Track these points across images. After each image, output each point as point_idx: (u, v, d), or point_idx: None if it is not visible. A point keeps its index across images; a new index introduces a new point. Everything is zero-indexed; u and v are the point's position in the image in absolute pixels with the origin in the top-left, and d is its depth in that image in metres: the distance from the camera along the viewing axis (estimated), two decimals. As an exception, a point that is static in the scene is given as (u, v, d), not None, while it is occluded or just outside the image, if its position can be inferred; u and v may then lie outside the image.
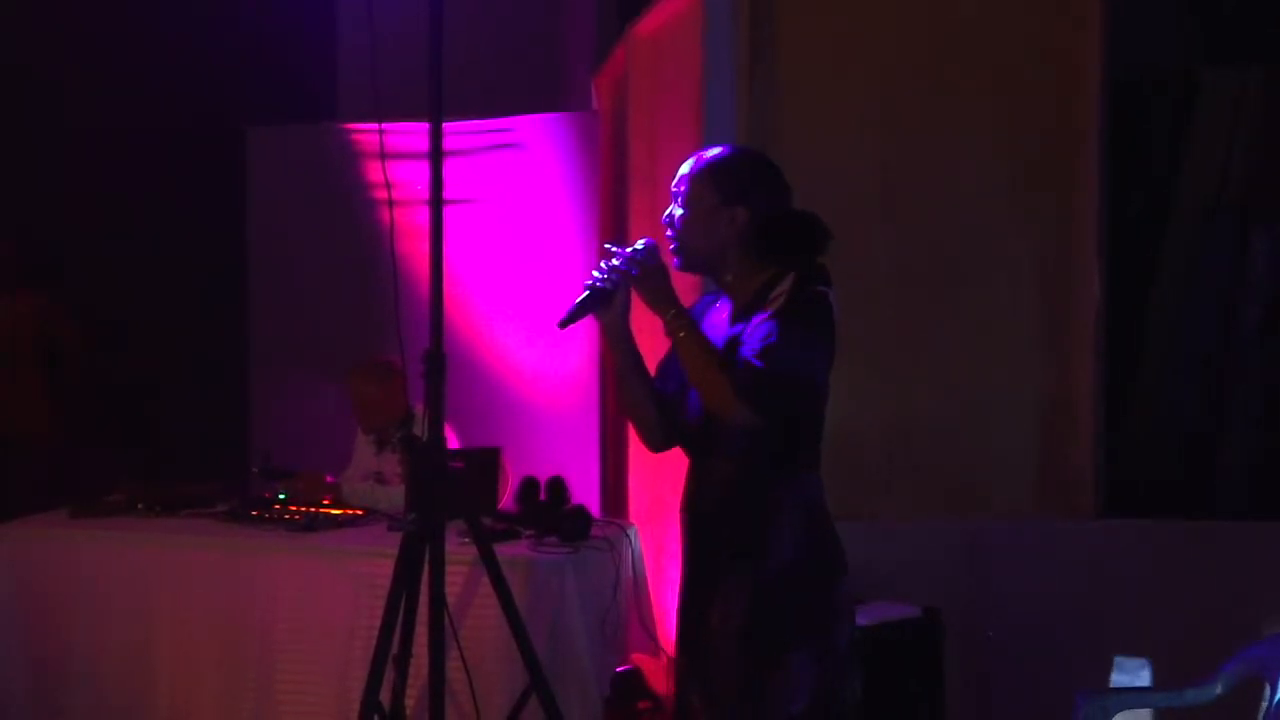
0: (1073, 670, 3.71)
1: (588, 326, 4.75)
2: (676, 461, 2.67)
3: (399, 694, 3.10)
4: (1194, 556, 3.80)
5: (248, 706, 3.80)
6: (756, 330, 2.39)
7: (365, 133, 5.10)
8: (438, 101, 2.98)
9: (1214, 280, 4.70)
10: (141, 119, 5.48)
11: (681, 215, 2.51)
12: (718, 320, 2.56)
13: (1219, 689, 2.86)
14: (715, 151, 2.58)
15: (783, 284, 2.42)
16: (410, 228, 4.51)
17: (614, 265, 2.49)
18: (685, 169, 2.54)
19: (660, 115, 4.50)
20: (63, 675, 3.98)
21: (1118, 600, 3.81)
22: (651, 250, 2.49)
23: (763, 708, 2.40)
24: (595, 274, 2.50)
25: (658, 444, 2.64)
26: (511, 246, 5.01)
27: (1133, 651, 3.77)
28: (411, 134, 4.40)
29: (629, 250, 2.50)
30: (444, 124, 3.02)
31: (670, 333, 2.41)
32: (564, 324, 2.52)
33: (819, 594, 2.47)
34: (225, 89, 5.51)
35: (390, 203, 3.30)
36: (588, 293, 2.49)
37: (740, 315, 2.49)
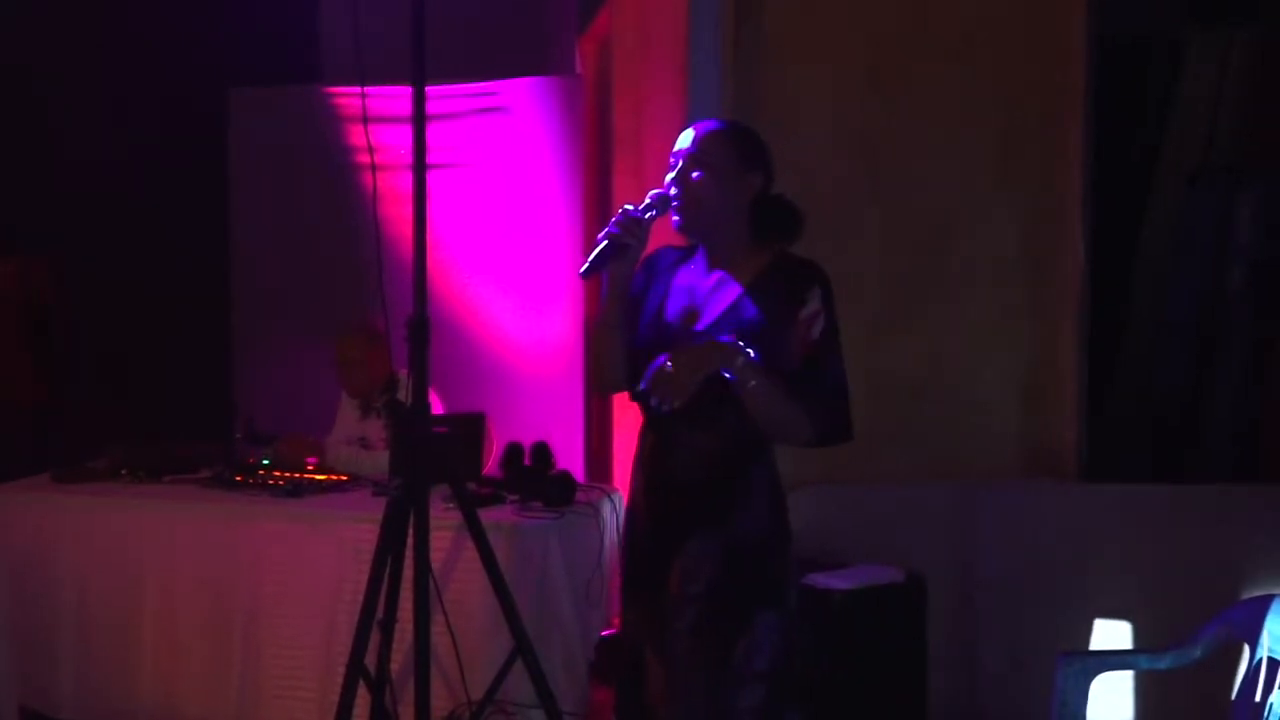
0: (1055, 633, 3.74)
1: (570, 291, 4.82)
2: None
3: (384, 659, 3.11)
4: (1176, 520, 3.83)
5: (234, 672, 3.82)
6: (806, 348, 2.46)
7: (348, 96, 5.08)
8: (420, 65, 2.97)
9: (1199, 245, 4.71)
10: (122, 80, 5.44)
11: (700, 176, 2.53)
12: (700, 284, 2.59)
13: (1199, 652, 2.89)
14: (716, 121, 2.64)
15: (809, 294, 2.48)
16: (393, 192, 4.51)
17: (630, 217, 2.52)
18: (696, 132, 2.57)
19: (645, 79, 4.49)
20: (47, 643, 3.99)
21: (1100, 564, 3.84)
22: (664, 198, 2.54)
23: (728, 667, 2.47)
24: (613, 227, 2.53)
25: (614, 389, 2.70)
26: (495, 211, 5.00)
27: (1115, 615, 3.81)
28: (394, 97, 4.37)
29: (644, 203, 2.54)
30: (427, 87, 3.01)
31: (742, 382, 2.40)
32: (586, 274, 2.56)
33: (779, 560, 2.55)
34: (207, 50, 5.46)
35: (373, 167, 3.29)
36: (606, 243, 2.52)
37: (748, 294, 2.52)
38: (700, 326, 2.54)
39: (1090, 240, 4.07)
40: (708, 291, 2.57)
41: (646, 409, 2.58)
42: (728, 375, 2.39)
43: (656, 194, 2.56)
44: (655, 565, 2.56)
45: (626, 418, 2.83)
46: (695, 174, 2.54)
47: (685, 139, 2.58)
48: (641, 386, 2.38)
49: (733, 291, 2.54)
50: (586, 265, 2.54)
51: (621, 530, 2.75)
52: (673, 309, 2.59)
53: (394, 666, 3.22)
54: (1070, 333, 4.07)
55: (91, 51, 5.35)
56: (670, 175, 2.57)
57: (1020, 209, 4.10)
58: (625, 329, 2.61)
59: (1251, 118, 4.62)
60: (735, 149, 2.56)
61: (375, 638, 3.07)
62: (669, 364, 2.37)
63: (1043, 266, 4.10)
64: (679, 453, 2.55)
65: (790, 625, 2.53)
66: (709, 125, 2.61)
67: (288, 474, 4.17)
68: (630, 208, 2.54)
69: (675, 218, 2.56)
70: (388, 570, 3.02)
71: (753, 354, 2.40)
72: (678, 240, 2.67)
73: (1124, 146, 4.64)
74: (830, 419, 2.48)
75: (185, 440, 4.46)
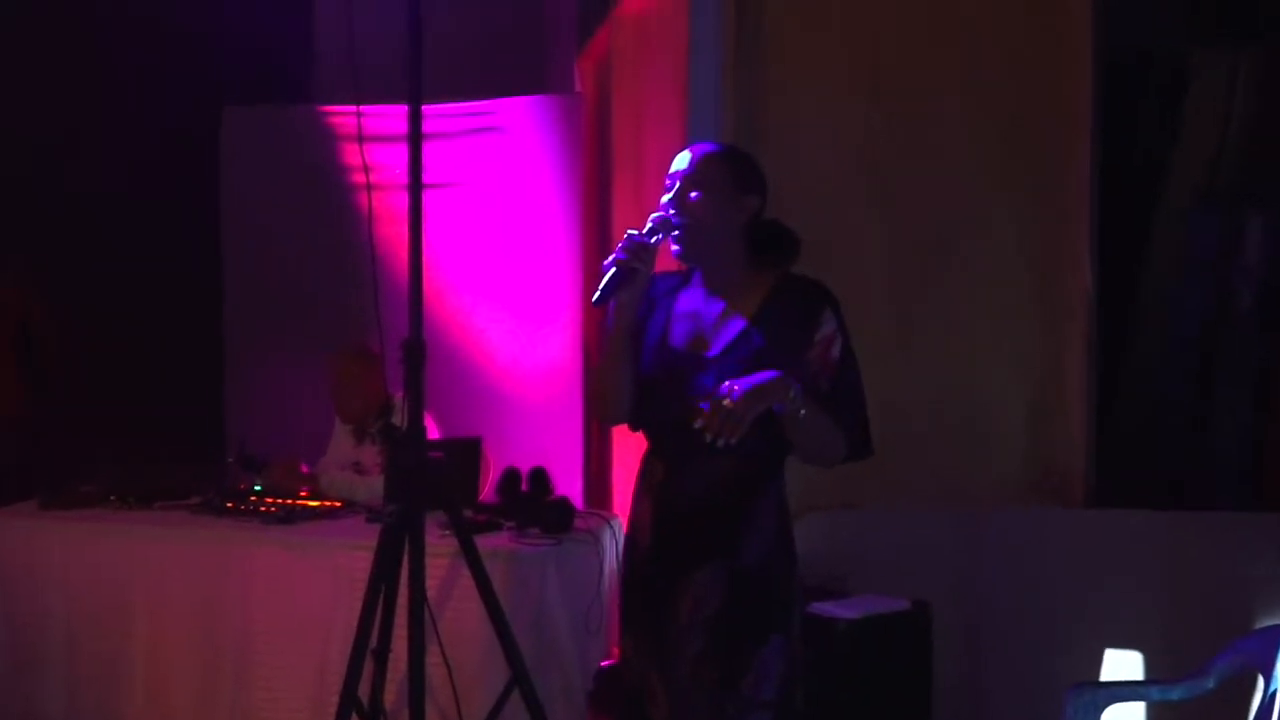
0: (1064, 664, 3.71)
1: (569, 314, 4.80)
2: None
3: (378, 689, 3.09)
4: (1186, 548, 3.79)
5: (224, 703, 3.80)
6: (829, 369, 2.50)
7: (343, 115, 5.06)
8: (417, 83, 2.96)
9: (1207, 266, 4.69)
10: (113, 97, 5.42)
11: (698, 196, 2.54)
12: (704, 309, 2.60)
13: (1211, 682, 2.87)
14: (714, 145, 2.67)
15: (823, 317, 2.51)
16: (389, 213, 4.45)
17: (636, 242, 2.53)
18: (692, 154, 2.59)
19: (645, 98, 4.48)
20: (35, 672, 3.96)
21: (1109, 592, 3.81)
22: (666, 221, 2.54)
23: (737, 696, 2.48)
24: (620, 253, 2.54)
25: (618, 421, 2.69)
26: (493, 232, 4.98)
27: (1124, 644, 3.77)
28: (390, 116, 4.37)
29: (645, 229, 2.55)
30: (423, 106, 3.00)
31: (793, 413, 2.40)
32: (598, 302, 2.57)
33: (786, 586, 2.58)
34: (199, 67, 5.45)
35: (368, 187, 3.28)
36: (614, 270, 2.53)
37: (756, 320, 2.53)
38: (711, 354, 2.55)
39: (1097, 261, 4.05)
40: (715, 317, 2.58)
41: (675, 442, 2.55)
42: (778, 408, 2.40)
43: (658, 217, 2.56)
44: (661, 592, 2.56)
45: (626, 442, 2.82)
46: (693, 194, 2.55)
47: (682, 160, 2.60)
48: (698, 425, 2.35)
49: (742, 315, 2.55)
50: (598, 294, 2.54)
51: (622, 557, 2.73)
52: (678, 336, 2.59)
53: (388, 698, 3.20)
54: (1077, 355, 4.05)
55: (81, 68, 5.33)
56: (667, 197, 2.58)
57: (1025, 229, 4.09)
58: (633, 358, 2.60)
59: (1260, 137, 4.61)
60: (731, 171, 2.59)
61: (369, 668, 3.05)
62: (728, 399, 2.34)
63: (1049, 287, 4.08)
64: (692, 479, 2.55)
65: (797, 652, 2.54)
66: (705, 147, 2.64)
67: (280, 500, 4.15)
68: (635, 233, 2.54)
69: (673, 240, 2.56)
70: (382, 599, 3.01)
71: (798, 384, 2.40)
72: (671, 266, 2.66)
73: (1129, 165, 4.62)
74: (859, 436, 2.55)
75: (175, 465, 4.44)
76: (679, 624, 2.52)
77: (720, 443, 2.34)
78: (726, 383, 2.36)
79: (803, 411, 2.40)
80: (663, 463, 2.60)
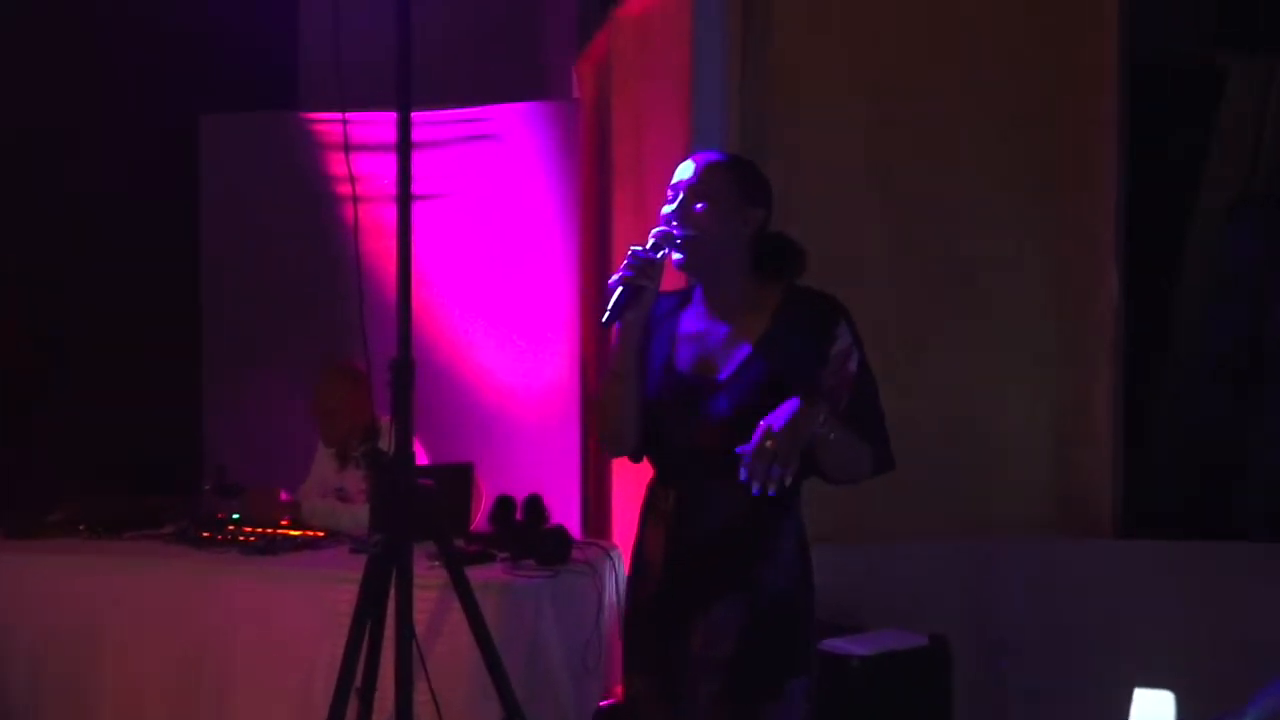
0: (1091, 703, 3.70)
1: (566, 332, 4.80)
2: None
3: (363, 730, 3.07)
4: (1221, 581, 3.79)
5: (199, 744, 3.78)
6: (847, 384, 2.49)
7: (328, 122, 5.08)
8: (406, 88, 2.96)
9: (1242, 279, 4.70)
10: (85, 105, 5.43)
11: (703, 208, 2.55)
12: (709, 330, 2.60)
13: (1250, 723, 2.86)
14: (718, 154, 2.67)
15: (837, 330, 2.51)
16: (376, 225, 4.48)
17: (642, 259, 2.53)
18: (696, 164, 2.60)
19: (647, 103, 4.49)
20: (-2, 710, 3.95)
21: (1140, 628, 3.80)
22: (669, 234, 2.55)
23: None
24: (627, 270, 2.54)
25: (623, 451, 2.69)
26: (486, 245, 4.99)
27: (1156, 683, 3.76)
28: (378, 124, 4.37)
29: (649, 244, 2.56)
30: (413, 113, 3.00)
31: (824, 435, 2.41)
32: (607, 323, 2.57)
33: (806, 620, 2.58)
34: (176, 73, 5.46)
35: (355, 198, 3.28)
36: (621, 289, 2.54)
37: (767, 340, 2.53)
38: (721, 377, 2.55)
39: (1125, 274, 4.05)
40: (722, 339, 2.59)
41: (687, 469, 2.56)
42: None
43: (661, 231, 2.57)
44: (673, 627, 2.55)
45: (627, 468, 2.81)
46: (698, 206, 2.56)
47: (685, 170, 2.60)
48: (743, 478, 2.35)
49: (750, 335, 2.55)
50: (606, 314, 2.55)
51: (625, 591, 2.72)
52: (684, 359, 2.60)
53: (373, 739, 3.17)
54: (1105, 376, 4.06)
55: (53, 75, 5.35)
56: (670, 208, 2.59)
57: (1048, 243, 4.09)
58: (640, 380, 2.61)
59: (1295, 146, 4.63)
60: (737, 182, 2.60)
61: (354, 708, 3.03)
62: (769, 441, 2.34)
63: (1074, 305, 4.09)
64: (707, 508, 2.55)
65: (815, 689, 2.55)
66: (710, 156, 2.64)
67: (259, 529, 4.14)
68: (639, 249, 2.55)
69: (676, 254, 2.56)
70: (367, 634, 2.99)
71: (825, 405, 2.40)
72: (669, 284, 2.67)
73: (1159, 174, 4.63)
74: (884, 450, 2.57)
75: (149, 492, 4.43)
76: (693, 662, 2.52)
77: (772, 490, 2.34)
78: (762, 423, 2.36)
79: (834, 435, 2.41)
80: (674, 491, 2.59)
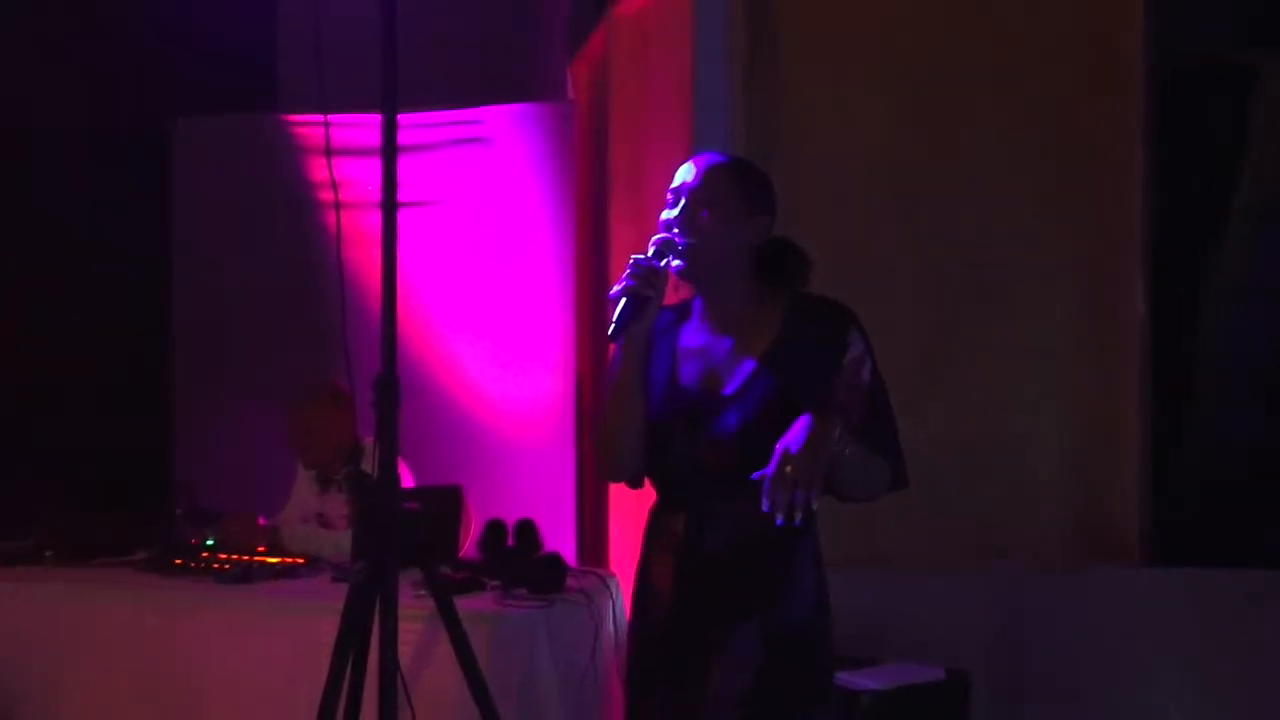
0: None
1: (561, 347, 4.80)
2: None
3: (345, 770, 3.06)
4: (1255, 611, 3.79)
5: (171, 785, 3.77)
6: (861, 394, 2.47)
7: (309, 124, 5.08)
8: (391, 89, 2.96)
9: (1275, 292, 4.70)
10: (52, 107, 5.44)
11: (707, 214, 2.55)
12: (712, 344, 2.60)
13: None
14: (721, 157, 2.66)
15: (849, 337, 2.50)
16: (360, 233, 4.48)
17: (645, 267, 2.53)
18: (698, 166, 2.60)
19: (646, 105, 4.50)
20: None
21: (1170, 660, 3.80)
22: (670, 241, 2.55)
23: None
24: (629, 280, 2.54)
25: (624, 475, 2.68)
26: (476, 255, 4.99)
27: (1188, 718, 3.76)
28: (362, 126, 4.38)
29: (650, 252, 2.56)
30: (399, 115, 3.00)
31: (840, 452, 2.39)
32: (614, 337, 2.58)
33: (826, 649, 2.58)
34: (148, 73, 5.47)
35: (337, 205, 3.28)
36: (626, 300, 2.54)
37: (774, 351, 2.53)
38: (728, 391, 2.54)
39: (1152, 286, 4.05)
40: (726, 352, 2.58)
41: (694, 489, 2.56)
42: None
43: (662, 237, 2.56)
44: (684, 661, 2.54)
45: (625, 491, 2.80)
46: (702, 212, 2.56)
47: (687, 173, 2.60)
48: (765, 508, 2.33)
49: (756, 347, 2.55)
50: (612, 328, 2.55)
51: (629, 622, 2.71)
52: (688, 375, 2.60)
53: (356, 780, 3.16)
54: (1131, 392, 4.06)
55: (17, 73, 5.36)
56: (671, 213, 2.58)
57: (1072, 253, 4.10)
58: (644, 397, 2.60)
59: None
60: (741, 186, 2.60)
61: (335, 746, 3.02)
62: (789, 467, 2.32)
63: (1099, 317, 4.09)
64: (721, 532, 2.54)
65: None
66: (713, 159, 2.64)
67: (235, 557, 4.13)
68: (641, 257, 2.55)
69: (677, 262, 2.56)
70: (349, 667, 2.98)
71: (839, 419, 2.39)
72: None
73: (1189, 182, 4.63)
74: (900, 464, 2.56)
75: (118, 517, 4.42)
76: (708, 696, 2.51)
77: (799, 518, 2.32)
78: (779, 446, 2.34)
79: (849, 451, 2.39)
80: (682, 514, 2.58)
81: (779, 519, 2.31)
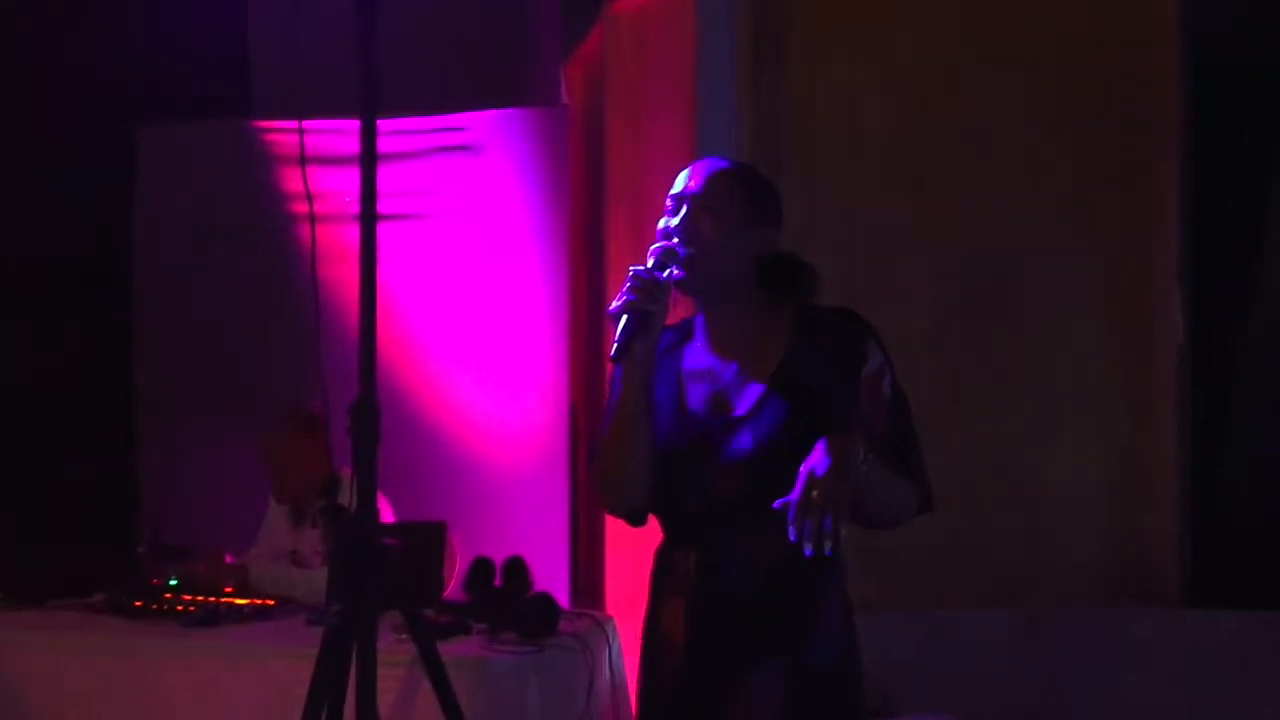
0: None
1: (553, 370, 4.80)
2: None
3: (319, 829, 3.05)
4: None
5: (131, 844, 3.75)
6: (883, 410, 2.50)
7: (282, 131, 5.09)
8: (371, 93, 2.97)
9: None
10: (9, 114, 5.46)
11: (709, 222, 2.55)
12: (718, 365, 2.59)
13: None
14: (725, 162, 2.66)
15: (867, 349, 2.51)
16: (337, 248, 4.48)
17: (646, 281, 2.52)
18: (700, 172, 2.60)
19: (645, 108, 4.51)
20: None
21: (1209, 709, 3.79)
22: (671, 250, 2.54)
23: None
24: (630, 295, 2.52)
25: (629, 506, 2.65)
26: (462, 270, 5.00)
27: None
28: (339, 133, 4.39)
29: (650, 263, 2.55)
30: (379, 121, 3.00)
31: (864, 475, 2.37)
32: (617, 358, 2.56)
33: (857, 696, 2.56)
34: (111, 79, 5.48)
35: (312, 218, 3.28)
36: (628, 316, 2.52)
37: (785, 367, 2.52)
38: (738, 412, 2.52)
39: (1189, 305, 4.06)
40: (734, 373, 2.57)
41: (707, 519, 2.54)
42: None
43: (662, 246, 2.55)
44: (702, 712, 2.52)
45: (621, 528, 2.79)
46: (704, 220, 2.55)
47: (689, 178, 2.60)
48: (791, 538, 2.31)
49: (766, 365, 2.53)
50: (615, 347, 2.53)
51: (642, 671, 2.68)
52: (694, 398, 2.58)
53: (331, 839, 3.15)
54: (1167, 420, 4.06)
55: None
56: (672, 221, 2.58)
57: (1103, 271, 4.11)
58: (650, 421, 2.58)
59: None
60: (746, 194, 2.59)
61: (308, 803, 3.02)
62: (815, 491, 2.30)
63: (1132, 340, 4.09)
64: (738, 568, 2.51)
65: None
66: (716, 164, 2.64)
67: (201, 598, 4.12)
68: (641, 269, 2.53)
69: (678, 272, 2.55)
70: (324, 717, 2.97)
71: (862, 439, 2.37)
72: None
73: (1226, 191, 4.64)
74: (927, 485, 2.54)
75: (74, 555, 4.41)
76: None
77: (829, 548, 2.29)
78: (803, 470, 2.32)
79: (874, 475, 2.37)
80: (693, 551, 2.55)
81: (808, 549, 2.27)
